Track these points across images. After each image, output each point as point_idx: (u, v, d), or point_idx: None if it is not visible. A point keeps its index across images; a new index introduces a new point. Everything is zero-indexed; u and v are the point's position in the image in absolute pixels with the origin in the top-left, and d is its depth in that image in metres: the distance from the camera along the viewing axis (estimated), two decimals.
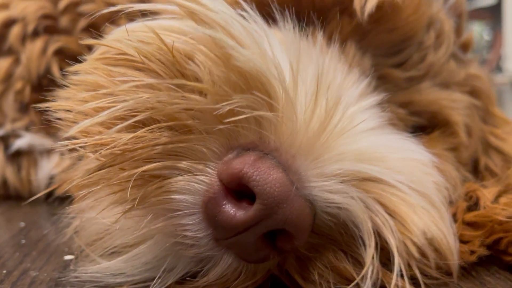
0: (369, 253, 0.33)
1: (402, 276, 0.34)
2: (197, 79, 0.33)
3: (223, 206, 0.32)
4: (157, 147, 0.33)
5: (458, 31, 0.56)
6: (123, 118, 0.33)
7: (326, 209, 0.34)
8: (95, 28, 0.48)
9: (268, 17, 0.38)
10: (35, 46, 0.68)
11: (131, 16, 0.42)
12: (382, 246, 0.34)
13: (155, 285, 0.36)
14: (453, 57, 0.53)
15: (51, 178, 0.68)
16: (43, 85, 0.68)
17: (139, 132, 0.33)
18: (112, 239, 0.38)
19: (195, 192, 0.33)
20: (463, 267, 0.38)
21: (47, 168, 0.68)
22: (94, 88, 0.35)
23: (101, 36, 0.39)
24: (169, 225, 0.34)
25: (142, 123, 0.33)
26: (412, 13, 0.45)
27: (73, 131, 0.33)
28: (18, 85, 0.68)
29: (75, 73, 0.37)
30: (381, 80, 0.46)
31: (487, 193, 0.43)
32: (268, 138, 0.33)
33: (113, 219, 0.36)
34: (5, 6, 0.70)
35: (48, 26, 0.69)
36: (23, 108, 0.69)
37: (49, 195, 0.63)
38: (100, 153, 0.33)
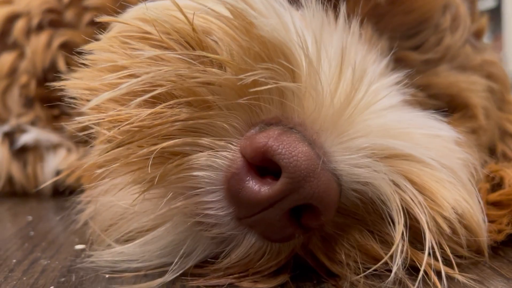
0: (398, 230, 0.32)
1: (432, 254, 0.32)
2: (216, 54, 0.32)
3: (247, 181, 0.31)
4: (176, 123, 0.32)
5: (471, 17, 0.55)
6: (140, 93, 0.32)
7: (352, 185, 0.32)
8: (100, 21, 0.47)
9: None
10: (40, 40, 0.67)
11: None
12: (410, 225, 0.33)
13: (173, 269, 0.34)
14: (468, 43, 0.52)
15: (58, 173, 0.66)
16: (49, 80, 0.67)
17: (158, 108, 0.31)
18: (128, 224, 0.37)
19: (217, 168, 0.32)
20: (490, 246, 0.37)
21: (53, 163, 0.66)
22: (110, 64, 0.34)
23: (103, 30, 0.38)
24: (190, 203, 0.33)
25: (160, 99, 0.32)
26: None
27: (89, 105, 0.32)
28: (23, 79, 0.67)
29: (90, 52, 0.36)
30: (398, 63, 0.45)
31: (511, 172, 0.42)
32: (291, 112, 0.32)
33: (130, 202, 0.35)
34: (9, 1, 0.69)
35: (52, 20, 0.68)
36: (28, 102, 0.68)
37: (56, 190, 0.62)
38: (118, 129, 0.32)
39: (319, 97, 0.32)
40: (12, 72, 0.67)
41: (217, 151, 0.32)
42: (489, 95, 0.50)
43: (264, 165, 0.31)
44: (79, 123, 0.33)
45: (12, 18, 0.68)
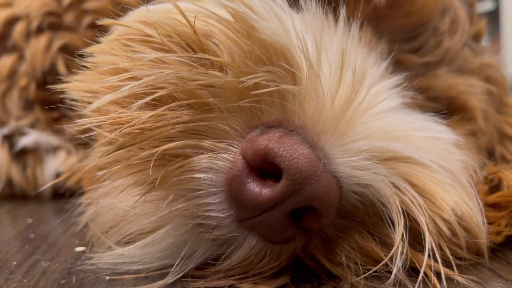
0: (398, 232, 0.32)
1: (432, 256, 0.33)
2: (217, 57, 0.32)
3: (248, 184, 0.31)
4: (178, 126, 0.32)
5: (470, 20, 0.56)
6: (141, 96, 0.32)
7: (353, 187, 0.33)
8: (100, 24, 0.47)
9: None
10: (39, 43, 0.67)
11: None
12: (410, 227, 0.33)
13: (174, 271, 0.34)
14: (466, 46, 0.52)
15: (58, 176, 0.66)
16: (49, 83, 0.67)
17: (159, 110, 0.32)
18: (129, 226, 0.37)
19: (218, 170, 0.32)
20: (489, 248, 0.38)
21: (53, 165, 0.66)
22: (111, 67, 0.34)
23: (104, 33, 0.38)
24: (191, 205, 0.33)
25: (162, 102, 0.32)
26: None
27: (90, 108, 0.32)
28: (22, 82, 0.67)
29: (91, 55, 0.36)
30: (398, 66, 0.46)
31: (509, 174, 0.43)
32: (292, 115, 0.32)
33: (131, 204, 0.35)
34: (8, 4, 0.69)
35: (52, 23, 0.69)
36: (28, 105, 0.68)
37: (56, 192, 0.62)
38: (120, 131, 0.32)
39: (320, 99, 0.32)
40: (12, 75, 0.67)
41: (218, 153, 0.32)
42: (487, 98, 0.51)
43: (265, 167, 0.31)
44: (80, 125, 0.33)
45: (11, 21, 0.68)
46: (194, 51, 0.33)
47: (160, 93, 0.31)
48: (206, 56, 0.31)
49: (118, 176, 0.34)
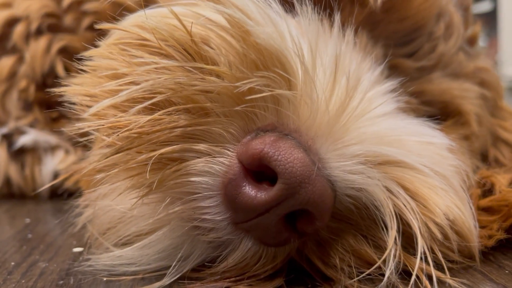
0: (391, 235, 0.33)
1: (424, 259, 0.33)
2: (214, 62, 0.32)
3: (243, 187, 0.31)
4: (175, 130, 0.32)
5: (465, 24, 0.56)
6: (140, 100, 0.33)
7: (347, 190, 0.33)
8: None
9: (285, 1, 0.37)
10: (39, 45, 0.67)
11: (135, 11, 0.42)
12: (403, 230, 0.34)
13: (171, 273, 0.35)
14: (461, 50, 0.53)
15: (56, 175, 0.67)
16: (48, 84, 0.67)
17: (157, 115, 0.32)
18: (126, 227, 0.37)
19: (214, 174, 0.32)
20: (480, 251, 0.38)
21: (51, 164, 0.67)
22: (110, 71, 0.34)
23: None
24: (187, 208, 0.33)
25: (159, 106, 0.33)
26: (423, 2, 0.45)
27: (89, 112, 0.33)
28: (22, 83, 0.68)
29: (89, 58, 0.37)
30: (393, 70, 0.46)
31: (501, 178, 0.43)
32: (287, 119, 0.32)
33: (128, 206, 0.35)
34: (8, 5, 0.70)
35: (51, 25, 0.69)
36: (27, 106, 0.68)
37: (54, 192, 0.63)
38: (118, 135, 0.32)
39: (314, 104, 0.32)
40: (11, 76, 0.68)
41: (214, 157, 0.32)
42: (481, 102, 0.51)
43: (260, 170, 0.32)
44: (79, 129, 0.34)
45: (11, 22, 0.68)
46: (191, 56, 0.33)
47: (158, 98, 0.32)
48: (202, 65, 0.32)
49: (116, 179, 0.34)
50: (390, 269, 0.32)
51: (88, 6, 0.68)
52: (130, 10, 0.44)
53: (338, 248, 0.34)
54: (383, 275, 0.33)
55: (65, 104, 0.37)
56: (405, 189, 0.34)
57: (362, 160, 0.33)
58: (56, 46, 0.67)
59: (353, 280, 0.34)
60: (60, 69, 0.67)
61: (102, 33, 0.40)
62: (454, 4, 0.53)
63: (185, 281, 0.35)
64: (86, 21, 0.68)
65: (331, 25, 0.39)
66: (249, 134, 0.33)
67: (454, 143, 0.40)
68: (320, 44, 0.34)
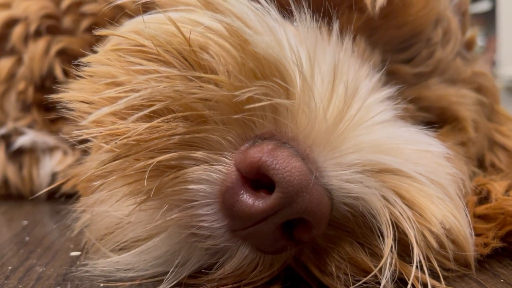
0: (388, 244, 0.33)
1: (420, 267, 0.33)
2: (213, 70, 0.32)
3: (241, 195, 0.32)
4: (173, 137, 0.32)
5: (462, 29, 0.56)
6: (138, 108, 0.33)
7: (344, 199, 0.33)
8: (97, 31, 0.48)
9: (283, 8, 0.38)
10: (37, 46, 0.67)
11: (133, 14, 0.42)
12: (399, 239, 0.34)
13: (168, 279, 0.35)
14: (459, 55, 0.53)
15: (54, 176, 0.67)
16: (47, 86, 0.68)
17: (155, 122, 0.32)
18: (124, 233, 0.37)
19: (212, 182, 0.32)
20: (476, 259, 0.38)
21: (49, 166, 0.67)
22: (108, 78, 0.34)
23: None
24: (185, 216, 0.33)
25: (157, 114, 0.33)
26: (421, 8, 0.45)
27: (88, 120, 0.33)
28: (20, 85, 0.68)
29: (87, 64, 0.37)
30: (390, 76, 0.46)
31: (497, 186, 0.43)
32: (285, 127, 0.33)
33: (126, 212, 0.36)
34: (6, 6, 0.70)
35: (50, 26, 0.69)
36: (26, 107, 0.68)
37: (52, 193, 0.63)
38: (116, 142, 0.32)
39: (312, 113, 0.32)
40: (10, 78, 0.68)
41: (212, 164, 0.33)
42: (478, 107, 0.51)
43: (258, 178, 0.32)
44: (77, 136, 0.34)
45: (10, 23, 0.68)
46: (190, 63, 0.33)
47: (157, 106, 0.32)
48: (201, 74, 0.32)
49: (113, 186, 0.34)
50: (386, 277, 0.33)
51: (87, 8, 0.68)
52: (129, 14, 0.44)
53: (335, 256, 0.34)
54: (379, 283, 0.33)
55: (63, 107, 0.37)
56: (402, 198, 0.34)
57: (359, 169, 0.33)
58: (54, 48, 0.67)
59: None
60: (58, 71, 0.67)
61: (101, 36, 0.40)
62: (452, 9, 0.53)
63: None
64: (85, 23, 0.68)
65: (330, 32, 0.39)
66: (247, 142, 0.33)
67: (451, 150, 0.41)
68: (318, 52, 0.35)
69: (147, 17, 0.37)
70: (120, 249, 0.38)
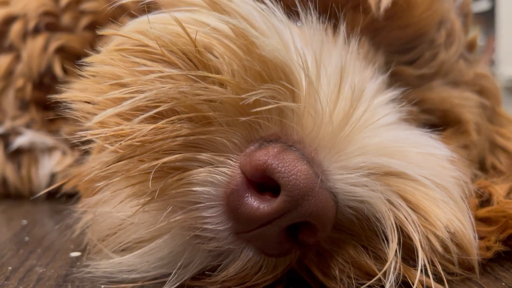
0: (392, 248, 0.33)
1: (424, 271, 0.33)
2: (217, 71, 0.32)
3: (246, 198, 0.31)
4: (178, 139, 0.32)
5: (465, 31, 0.56)
6: (143, 109, 0.32)
7: (349, 202, 0.33)
8: (97, 27, 0.48)
9: (289, 9, 0.37)
10: (36, 44, 0.67)
11: (135, 13, 0.42)
12: (403, 242, 0.34)
13: (171, 281, 0.35)
14: (461, 57, 0.53)
15: (53, 176, 0.67)
16: (45, 84, 0.67)
17: (160, 124, 0.32)
18: (126, 234, 0.37)
19: (217, 184, 0.32)
20: (478, 263, 0.38)
21: (48, 166, 0.66)
22: (112, 79, 0.34)
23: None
24: (189, 218, 0.33)
25: (162, 115, 0.32)
26: (425, 10, 0.45)
27: (93, 121, 0.32)
28: (19, 82, 0.67)
29: (90, 64, 0.37)
30: (394, 78, 0.46)
31: (499, 189, 0.43)
32: (291, 130, 0.32)
33: (129, 213, 0.35)
34: (5, 3, 0.69)
35: (49, 24, 0.68)
36: (24, 105, 0.68)
37: (52, 193, 0.62)
38: (120, 143, 0.32)
39: (318, 115, 0.32)
40: (8, 75, 0.67)
41: (216, 167, 0.32)
42: (481, 110, 0.51)
43: (263, 181, 0.31)
44: (81, 137, 0.33)
45: (8, 20, 0.68)
46: (195, 64, 0.33)
47: (162, 107, 0.32)
48: (207, 74, 0.32)
49: (117, 187, 0.34)
50: (390, 281, 0.32)
51: (86, 6, 0.67)
52: (131, 14, 0.43)
53: (338, 259, 0.34)
54: (383, 286, 0.33)
55: (63, 106, 0.37)
56: (407, 201, 0.34)
57: (364, 172, 0.33)
58: (53, 45, 0.67)
59: None
60: (57, 69, 0.66)
61: (101, 34, 0.39)
62: (455, 11, 0.53)
63: None
64: (84, 21, 0.68)
65: (335, 33, 0.39)
66: (252, 144, 0.32)
67: (454, 153, 0.40)
68: (324, 54, 0.34)
69: (151, 17, 0.37)
70: (122, 250, 0.38)
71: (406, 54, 0.47)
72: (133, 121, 0.32)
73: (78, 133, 0.33)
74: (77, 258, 0.43)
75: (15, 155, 0.68)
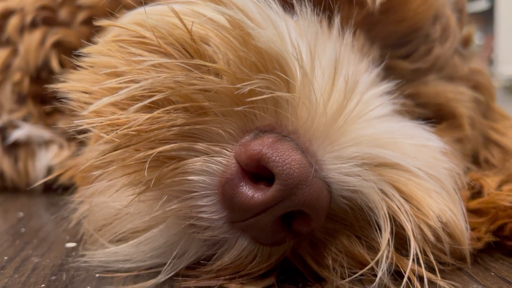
0: (385, 237, 0.33)
1: (416, 261, 0.34)
2: (213, 61, 0.33)
3: (241, 187, 0.32)
4: (173, 128, 0.32)
5: (460, 26, 0.57)
6: (139, 99, 0.33)
7: (342, 192, 0.33)
8: (94, 21, 0.48)
9: (284, 2, 0.38)
10: (33, 38, 0.67)
11: (134, 6, 0.42)
12: (396, 232, 0.34)
13: (166, 270, 0.35)
14: (456, 52, 0.53)
15: (49, 169, 0.67)
16: (42, 78, 0.67)
17: (155, 113, 0.32)
18: (122, 224, 0.38)
19: (212, 173, 0.33)
20: (469, 253, 0.39)
21: (45, 159, 0.67)
22: (109, 69, 0.34)
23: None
24: (184, 207, 0.33)
25: (158, 104, 0.33)
26: (421, 4, 0.45)
27: (89, 110, 0.33)
28: (16, 76, 0.67)
29: (87, 55, 0.37)
30: (388, 71, 0.46)
31: (490, 181, 0.44)
32: (285, 120, 0.33)
33: (125, 203, 0.36)
34: None
35: (46, 18, 0.68)
36: (21, 99, 0.68)
37: (48, 185, 0.63)
38: (116, 133, 0.32)
39: (312, 106, 0.33)
40: (5, 69, 0.67)
41: (212, 156, 0.33)
42: (475, 105, 0.52)
43: (258, 171, 0.32)
44: (77, 126, 0.34)
45: (6, 14, 0.68)
46: (190, 55, 0.33)
47: (158, 96, 0.32)
48: (202, 62, 0.32)
49: (113, 176, 0.34)
50: (382, 270, 0.33)
51: (83, 1, 0.67)
52: (127, 7, 0.43)
53: (332, 249, 0.35)
54: (376, 275, 0.33)
55: (60, 98, 0.37)
56: (400, 191, 0.34)
57: (358, 162, 0.33)
58: (50, 40, 0.67)
59: (345, 280, 0.34)
60: (54, 63, 0.66)
61: (98, 28, 0.39)
62: (450, 6, 0.54)
63: (180, 279, 0.35)
64: (81, 15, 0.68)
65: (330, 26, 0.39)
66: (247, 134, 0.33)
67: (447, 146, 0.41)
68: (319, 46, 0.35)
69: (148, 8, 0.37)
70: (118, 240, 0.38)
71: (401, 48, 0.48)
72: (128, 110, 0.32)
73: (75, 122, 0.34)
74: (73, 248, 0.43)
75: (12, 148, 0.68)
